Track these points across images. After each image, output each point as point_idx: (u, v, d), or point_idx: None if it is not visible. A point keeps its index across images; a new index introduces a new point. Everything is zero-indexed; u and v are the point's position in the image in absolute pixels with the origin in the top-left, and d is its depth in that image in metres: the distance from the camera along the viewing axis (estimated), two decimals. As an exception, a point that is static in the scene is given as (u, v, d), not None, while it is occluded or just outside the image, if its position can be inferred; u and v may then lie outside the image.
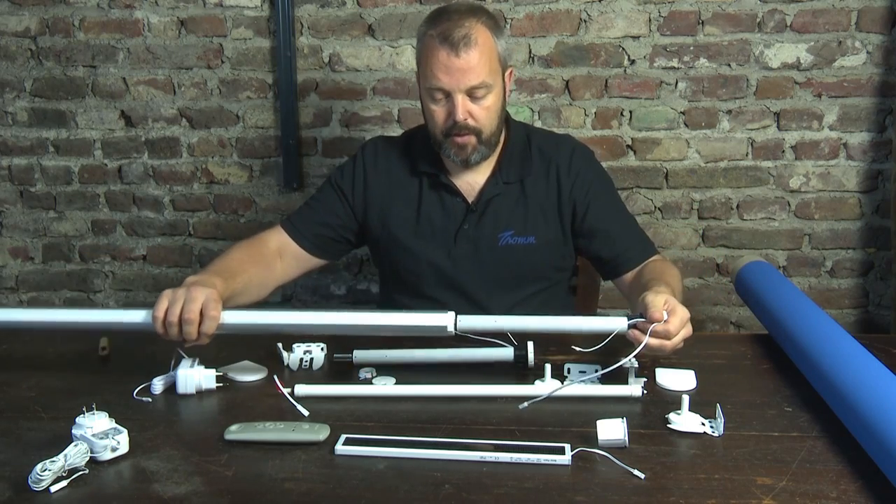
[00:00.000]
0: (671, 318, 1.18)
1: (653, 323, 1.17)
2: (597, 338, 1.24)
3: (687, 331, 1.22)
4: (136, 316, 1.28)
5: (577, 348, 1.24)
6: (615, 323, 1.22)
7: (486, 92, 1.48)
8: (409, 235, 1.61)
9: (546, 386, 1.23)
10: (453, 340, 1.45)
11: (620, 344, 1.45)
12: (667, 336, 1.19)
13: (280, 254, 1.60)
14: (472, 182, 1.60)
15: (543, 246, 1.59)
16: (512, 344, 1.36)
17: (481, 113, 1.49)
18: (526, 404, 1.17)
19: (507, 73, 1.55)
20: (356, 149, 2.33)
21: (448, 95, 1.47)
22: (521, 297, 1.61)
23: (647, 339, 1.17)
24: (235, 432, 1.09)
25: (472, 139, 1.51)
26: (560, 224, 1.61)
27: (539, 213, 1.59)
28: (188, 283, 1.28)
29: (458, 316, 1.25)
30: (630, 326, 1.21)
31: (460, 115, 1.47)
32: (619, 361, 1.27)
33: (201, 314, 1.23)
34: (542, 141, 1.65)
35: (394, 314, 1.29)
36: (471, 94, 1.47)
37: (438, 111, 1.50)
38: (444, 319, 1.24)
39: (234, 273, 1.42)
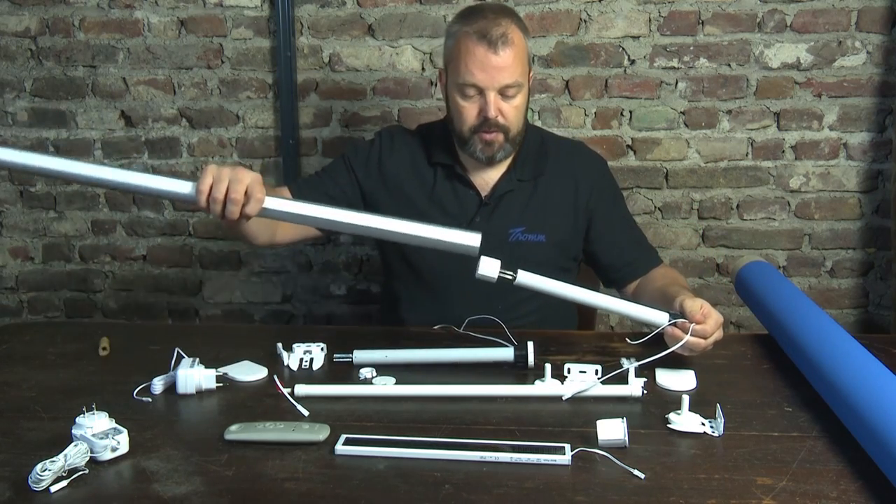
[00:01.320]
0: (708, 320, 1.27)
1: (693, 323, 1.27)
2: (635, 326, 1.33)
3: (719, 334, 1.30)
4: (179, 186, 1.24)
5: (629, 340, 1.39)
6: (658, 317, 1.30)
7: (517, 91, 1.50)
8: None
9: (547, 385, 1.23)
10: (454, 340, 1.46)
11: (623, 345, 1.45)
12: (703, 335, 1.27)
13: None
14: (486, 177, 1.61)
15: (553, 245, 1.61)
16: (512, 344, 1.36)
17: (511, 111, 1.51)
18: (569, 395, 1.20)
19: (530, 74, 1.58)
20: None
21: (481, 92, 1.49)
22: (526, 295, 1.60)
23: (688, 337, 1.26)
24: (235, 432, 1.09)
25: (499, 136, 1.53)
26: (573, 226, 1.63)
27: (551, 212, 1.61)
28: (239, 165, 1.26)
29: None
30: (671, 324, 1.29)
31: (492, 112, 1.49)
32: (620, 361, 1.27)
33: (246, 195, 1.21)
34: (557, 144, 1.69)
35: (426, 227, 1.28)
36: (503, 92, 1.49)
37: (469, 107, 1.52)
38: (472, 240, 1.27)
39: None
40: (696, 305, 1.28)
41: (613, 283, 1.69)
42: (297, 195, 1.60)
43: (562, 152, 1.67)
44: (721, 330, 1.31)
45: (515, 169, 1.61)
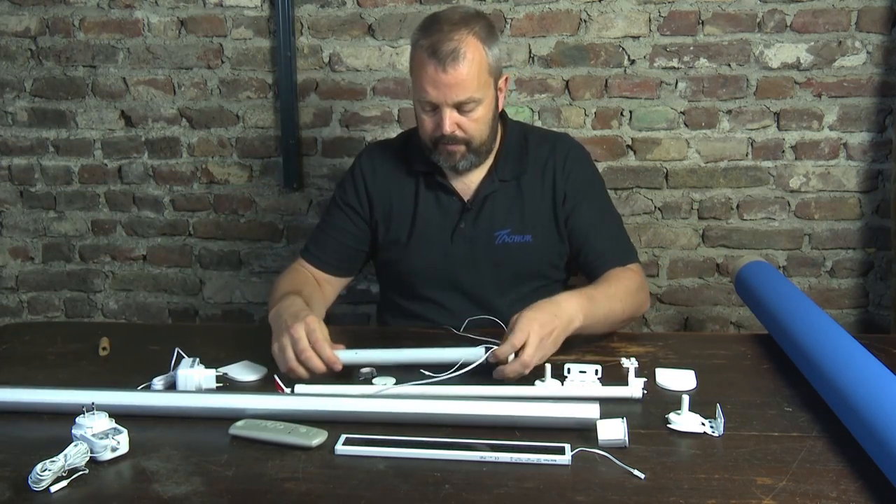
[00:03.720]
0: (525, 349, 1.23)
1: (498, 359, 1.25)
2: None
3: (543, 351, 1.26)
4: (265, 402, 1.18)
5: (429, 374, 1.28)
6: (475, 354, 1.27)
7: (475, 105, 1.48)
8: (406, 236, 1.61)
9: (547, 385, 1.23)
10: (453, 341, 1.46)
11: (622, 345, 1.45)
12: (523, 367, 1.24)
13: (317, 281, 1.63)
14: (467, 181, 1.60)
15: (540, 244, 1.60)
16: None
17: (470, 125, 1.49)
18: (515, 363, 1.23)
19: (501, 80, 1.55)
20: (356, 150, 2.35)
21: (436, 108, 1.48)
22: (519, 296, 1.61)
23: (502, 369, 1.25)
24: (240, 428, 1.10)
25: (461, 148, 1.51)
26: (555, 221, 1.60)
27: (536, 211, 1.60)
28: (285, 319, 1.30)
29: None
30: (487, 359, 1.26)
31: (447, 129, 1.48)
32: (620, 361, 1.27)
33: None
34: (538, 139, 1.65)
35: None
36: (459, 107, 1.47)
37: (428, 121, 1.51)
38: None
39: (299, 291, 1.47)
40: (516, 339, 1.23)
41: (584, 273, 1.64)
42: (317, 263, 1.64)
43: (542, 147, 1.63)
44: (546, 345, 1.25)
45: (497, 170, 1.59)
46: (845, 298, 2.33)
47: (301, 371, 1.25)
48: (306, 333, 1.26)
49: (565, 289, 1.76)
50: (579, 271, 1.68)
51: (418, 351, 1.34)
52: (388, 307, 1.71)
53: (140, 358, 1.40)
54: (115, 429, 1.04)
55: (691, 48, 2.22)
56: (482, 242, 1.58)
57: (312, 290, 1.56)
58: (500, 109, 1.58)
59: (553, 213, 1.60)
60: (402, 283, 1.65)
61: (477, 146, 1.52)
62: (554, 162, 1.61)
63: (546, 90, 2.28)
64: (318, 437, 1.07)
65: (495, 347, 1.26)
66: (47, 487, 0.96)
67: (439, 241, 1.60)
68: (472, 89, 1.45)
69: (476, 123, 1.50)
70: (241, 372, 1.32)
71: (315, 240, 1.67)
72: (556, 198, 1.60)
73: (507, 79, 1.58)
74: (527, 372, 1.24)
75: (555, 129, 2.24)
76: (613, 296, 1.45)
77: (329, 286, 1.64)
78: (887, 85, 2.19)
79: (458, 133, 1.49)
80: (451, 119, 1.47)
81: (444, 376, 1.25)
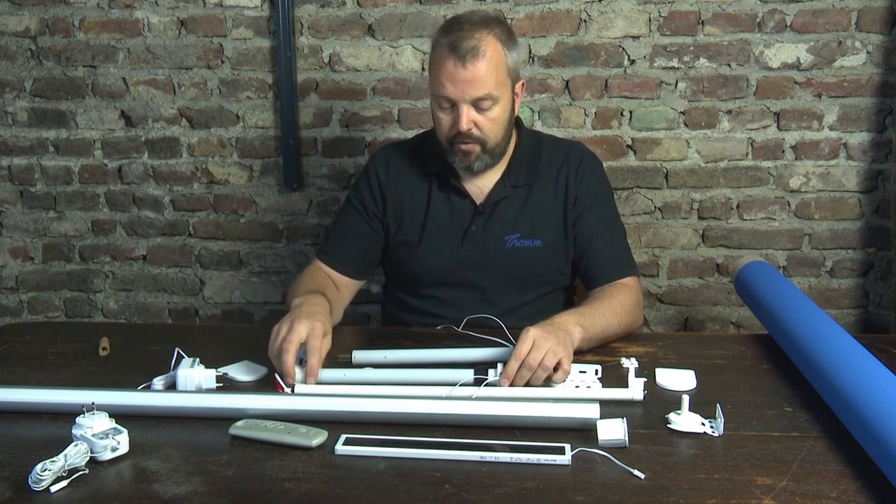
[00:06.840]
0: (530, 352, 1.21)
1: (508, 376, 1.22)
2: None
3: (548, 346, 1.21)
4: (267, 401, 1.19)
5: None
6: (462, 375, 1.25)
7: (492, 104, 1.48)
8: (417, 236, 1.62)
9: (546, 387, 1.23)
10: (453, 340, 1.46)
11: (622, 345, 1.45)
12: (528, 368, 1.21)
13: (335, 284, 1.63)
14: (480, 185, 1.61)
15: (549, 250, 1.60)
16: (511, 344, 1.36)
17: (486, 124, 1.50)
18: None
19: (517, 85, 1.56)
20: (356, 150, 2.35)
21: (454, 105, 1.48)
22: (525, 300, 1.61)
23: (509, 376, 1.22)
24: (240, 428, 1.10)
25: (476, 148, 1.51)
26: (564, 226, 1.61)
27: (546, 217, 1.60)
28: (303, 311, 1.32)
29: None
30: (476, 380, 1.24)
31: (464, 126, 1.48)
32: (620, 361, 1.27)
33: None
34: (553, 148, 1.66)
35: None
36: (476, 104, 1.47)
37: (444, 119, 1.51)
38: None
39: (324, 294, 1.47)
40: (510, 367, 1.21)
41: (582, 281, 1.65)
42: (338, 266, 1.63)
43: (556, 155, 1.64)
44: (559, 351, 1.21)
45: (510, 175, 1.60)
46: (845, 298, 2.33)
47: (275, 351, 1.26)
48: (308, 335, 1.26)
49: (569, 295, 1.76)
50: (578, 278, 1.68)
51: (416, 372, 1.30)
52: (394, 303, 1.72)
53: (140, 358, 1.40)
54: (115, 429, 1.04)
55: (691, 48, 2.22)
56: (492, 246, 1.59)
57: (333, 293, 1.57)
58: (515, 114, 1.59)
59: (563, 217, 1.61)
60: (409, 282, 1.66)
61: (492, 147, 1.53)
62: (567, 168, 1.62)
63: (546, 90, 2.28)
64: (318, 437, 1.07)
65: (504, 368, 1.23)
66: (47, 487, 0.96)
67: (449, 242, 1.60)
68: (490, 86, 1.46)
69: (492, 123, 1.50)
70: (241, 372, 1.32)
71: (331, 242, 1.67)
72: (566, 202, 1.61)
73: (523, 84, 1.59)
74: (532, 373, 1.21)
75: (556, 130, 2.26)
76: (610, 312, 1.44)
77: (346, 289, 1.64)
78: (887, 85, 2.19)
79: (475, 131, 1.49)
80: (467, 116, 1.47)
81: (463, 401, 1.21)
